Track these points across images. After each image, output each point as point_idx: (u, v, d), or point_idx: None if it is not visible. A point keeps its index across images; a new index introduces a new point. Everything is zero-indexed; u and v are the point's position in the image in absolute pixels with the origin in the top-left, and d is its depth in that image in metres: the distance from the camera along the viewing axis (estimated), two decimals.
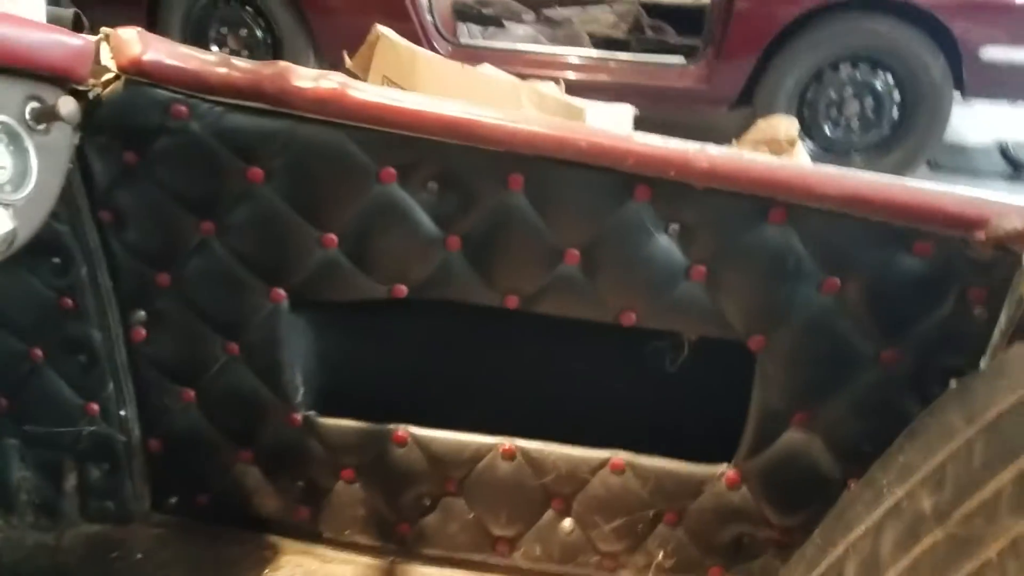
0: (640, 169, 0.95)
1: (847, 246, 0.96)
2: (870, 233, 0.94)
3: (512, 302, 1.06)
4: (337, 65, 4.45)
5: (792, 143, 3.09)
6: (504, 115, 0.96)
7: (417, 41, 4.04)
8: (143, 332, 1.14)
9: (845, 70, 3.92)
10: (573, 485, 1.14)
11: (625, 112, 2.71)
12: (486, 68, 2.60)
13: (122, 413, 1.18)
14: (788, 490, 1.09)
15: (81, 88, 0.87)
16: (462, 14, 4.59)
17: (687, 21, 4.74)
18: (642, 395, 1.15)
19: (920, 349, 0.98)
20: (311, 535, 1.24)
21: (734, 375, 1.07)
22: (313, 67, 4.01)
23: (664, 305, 1.03)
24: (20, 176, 0.80)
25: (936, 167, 4.43)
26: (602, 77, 4.15)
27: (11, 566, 1.22)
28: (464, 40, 4.31)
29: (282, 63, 0.94)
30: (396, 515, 1.20)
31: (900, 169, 4.07)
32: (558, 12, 4.94)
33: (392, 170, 0.99)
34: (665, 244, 1.00)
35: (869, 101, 3.97)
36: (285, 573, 1.21)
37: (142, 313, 1.13)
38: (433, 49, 4.06)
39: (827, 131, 4.05)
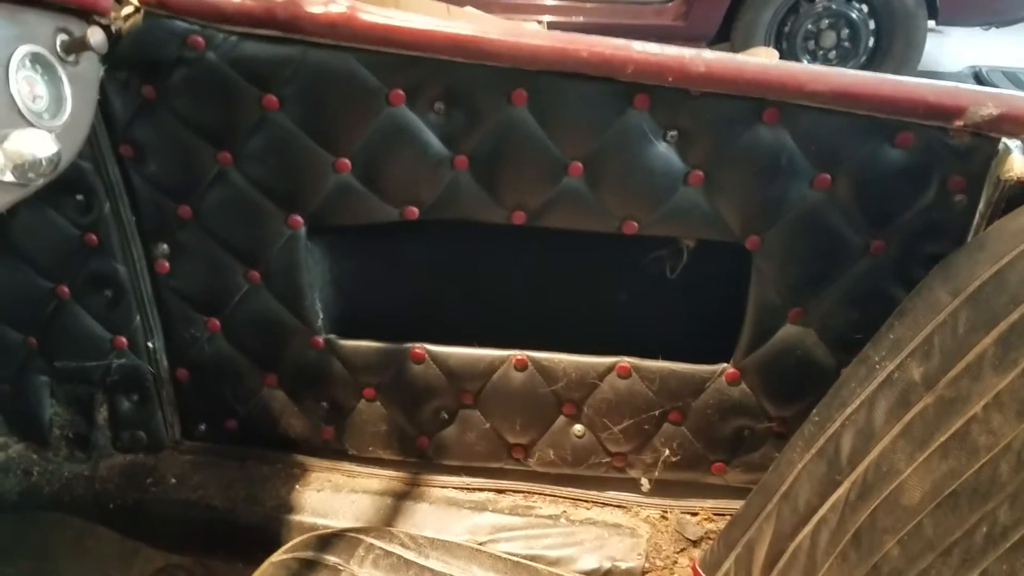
0: (639, 77, 0.99)
1: (836, 141, 1.01)
2: (856, 127, 1.00)
3: (519, 218, 1.11)
4: None
5: None
6: (507, 31, 1.00)
7: None
8: (167, 265, 1.18)
9: (821, 1, 3.96)
10: (582, 391, 1.20)
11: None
12: (470, 10, 2.62)
13: (149, 345, 1.23)
14: (785, 382, 1.15)
15: (103, 22, 0.91)
16: None
17: None
18: (644, 302, 1.21)
19: (906, 237, 1.04)
20: (336, 452, 1.30)
21: (731, 277, 1.14)
22: None
23: (664, 212, 1.08)
24: (56, 104, 0.84)
25: None
26: (581, 18, 4.17)
27: (51, 496, 1.28)
28: None
29: None
30: (416, 429, 1.26)
31: None
32: None
33: (400, 92, 1.03)
34: (664, 151, 1.05)
35: (845, 31, 4.03)
36: (313, 489, 1.27)
37: (165, 246, 1.17)
38: None
39: (805, 63, 4.09)
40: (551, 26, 3.96)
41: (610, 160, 1.06)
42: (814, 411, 1.01)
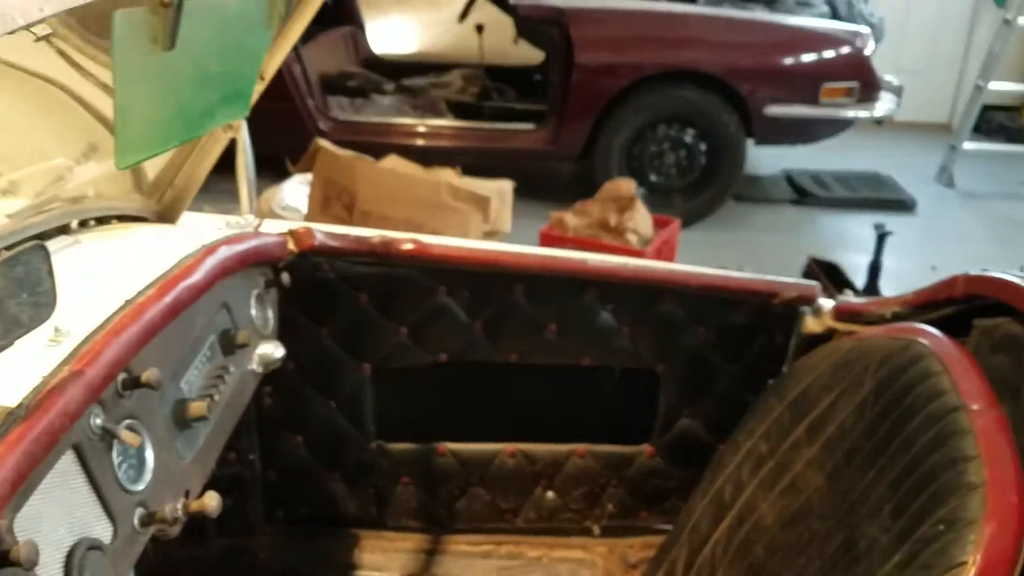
0: (590, 276, 1.64)
1: (706, 310, 1.69)
2: (717, 302, 1.67)
3: (513, 358, 1.72)
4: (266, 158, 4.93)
5: (632, 199, 3.90)
6: (511, 250, 1.63)
7: (301, 121, 4.62)
8: (269, 400, 1.71)
9: (662, 129, 4.83)
10: (554, 468, 1.80)
11: (507, 186, 3.42)
12: (392, 160, 3.23)
13: (251, 457, 1.74)
14: (684, 455, 1.79)
15: (280, 265, 1.47)
16: (330, 87, 5.16)
17: (524, 82, 5.57)
18: (593, 407, 1.83)
19: (751, 364, 1.71)
20: (380, 524, 1.82)
21: (647, 390, 1.78)
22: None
23: (605, 351, 1.72)
24: (265, 321, 1.39)
25: (740, 198, 5.39)
26: (464, 143, 4.86)
27: (179, 571, 1.75)
28: (340, 116, 4.89)
29: (384, 235, 1.57)
30: (436, 504, 1.82)
31: (713, 202, 5.02)
32: (415, 80, 5.61)
33: (444, 287, 1.63)
34: (606, 316, 1.69)
35: (683, 152, 4.89)
36: (367, 551, 1.80)
37: (270, 388, 1.70)
38: (317, 127, 4.64)
39: (652, 178, 4.93)
40: (438, 151, 4.61)
41: (572, 323, 1.69)
42: (706, 471, 1.65)
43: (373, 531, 1.83)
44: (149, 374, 0.94)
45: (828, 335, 1.63)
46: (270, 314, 1.41)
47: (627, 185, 3.94)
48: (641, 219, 3.87)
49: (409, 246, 1.56)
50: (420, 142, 4.79)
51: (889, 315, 1.55)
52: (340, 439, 1.75)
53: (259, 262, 1.39)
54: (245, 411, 1.69)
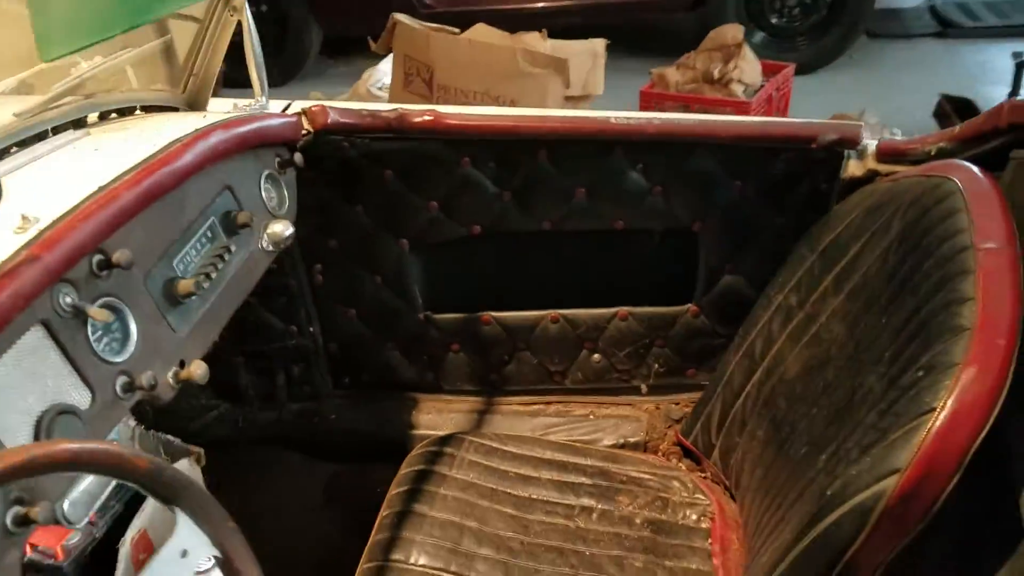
0: (617, 136, 1.60)
1: (743, 162, 1.61)
2: (755, 152, 1.59)
3: (547, 225, 1.72)
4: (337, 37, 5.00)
5: (739, 45, 3.68)
6: (534, 114, 1.61)
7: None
8: (320, 278, 1.80)
9: None
10: (597, 332, 1.82)
11: (599, 46, 3.30)
12: (476, 29, 3.16)
13: (311, 329, 1.86)
14: (729, 312, 1.75)
15: (297, 145, 1.52)
16: None
17: None
18: (632, 270, 1.81)
19: (796, 214, 1.63)
20: (436, 388, 1.92)
21: (686, 250, 1.74)
22: (315, 40, 4.58)
23: (639, 213, 1.69)
24: (280, 201, 1.46)
25: (874, 35, 4.98)
26: (569, 1, 4.70)
27: (253, 436, 1.93)
28: None
29: (400, 107, 1.58)
30: (487, 368, 1.88)
31: (842, 42, 4.66)
32: None
33: (467, 158, 1.64)
34: (635, 177, 1.65)
35: None
36: (424, 413, 1.90)
37: (319, 266, 1.78)
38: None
39: (773, 20, 4.62)
40: (549, 11, 4.48)
41: (602, 185, 1.67)
42: (740, 328, 1.62)
43: (430, 394, 1.93)
44: (119, 255, 1.02)
45: (870, 178, 1.53)
46: (285, 194, 1.47)
47: (733, 31, 3.71)
48: (748, 67, 3.66)
49: (425, 118, 1.56)
50: (525, 5, 4.68)
51: (933, 152, 1.44)
52: (390, 311, 1.83)
53: (267, 143, 1.44)
54: (300, 288, 1.80)
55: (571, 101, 3.18)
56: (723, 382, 1.61)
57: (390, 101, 3.16)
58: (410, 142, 1.61)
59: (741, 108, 3.50)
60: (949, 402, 0.91)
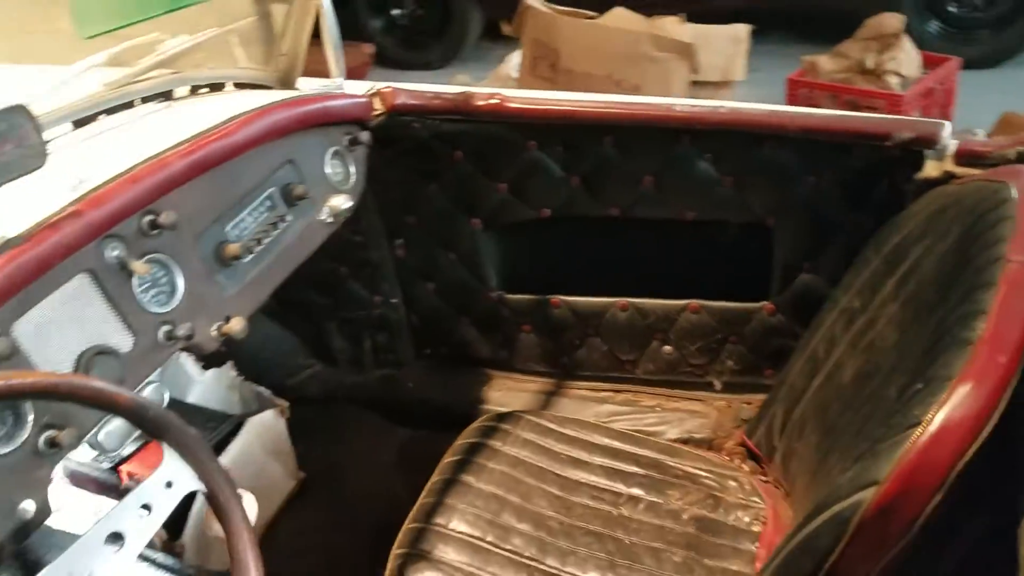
0: (681, 124, 1.58)
1: (816, 156, 1.54)
2: (828, 146, 1.52)
3: (615, 211, 1.72)
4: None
5: (898, 35, 3.46)
6: (597, 99, 1.61)
7: None
8: (401, 252, 1.89)
9: None
10: (667, 323, 1.80)
11: (742, 31, 3.21)
12: (613, 13, 3.15)
13: (393, 301, 1.95)
14: (807, 312, 1.68)
15: (368, 124, 1.61)
16: None
17: None
18: (705, 263, 1.77)
19: (876, 214, 1.54)
20: (509, 367, 1.96)
21: (761, 245, 1.69)
22: (477, 23, 4.66)
23: (709, 204, 1.66)
24: (346, 176, 1.55)
25: None
26: None
27: (340, 395, 2.05)
28: None
29: (466, 90, 1.64)
30: (558, 351, 1.90)
31: None
32: None
33: (533, 142, 1.67)
34: (704, 166, 1.62)
35: None
36: (495, 389, 1.95)
37: (400, 240, 1.87)
38: None
39: (952, 9, 4.29)
40: None
41: (669, 174, 1.65)
42: (807, 330, 1.56)
43: (502, 372, 1.97)
44: (165, 216, 1.14)
45: (945, 180, 1.43)
46: (352, 170, 1.56)
47: (893, 20, 3.49)
48: (905, 58, 3.44)
49: (488, 101, 1.61)
50: None
51: (1013, 155, 1.33)
52: (465, 288, 1.89)
53: (334, 121, 1.54)
54: (383, 261, 1.90)
55: (709, 87, 3.11)
56: (787, 385, 1.56)
57: (519, 85, 3.21)
58: (477, 124, 1.66)
59: (893, 101, 3.30)
60: (938, 416, 0.87)
